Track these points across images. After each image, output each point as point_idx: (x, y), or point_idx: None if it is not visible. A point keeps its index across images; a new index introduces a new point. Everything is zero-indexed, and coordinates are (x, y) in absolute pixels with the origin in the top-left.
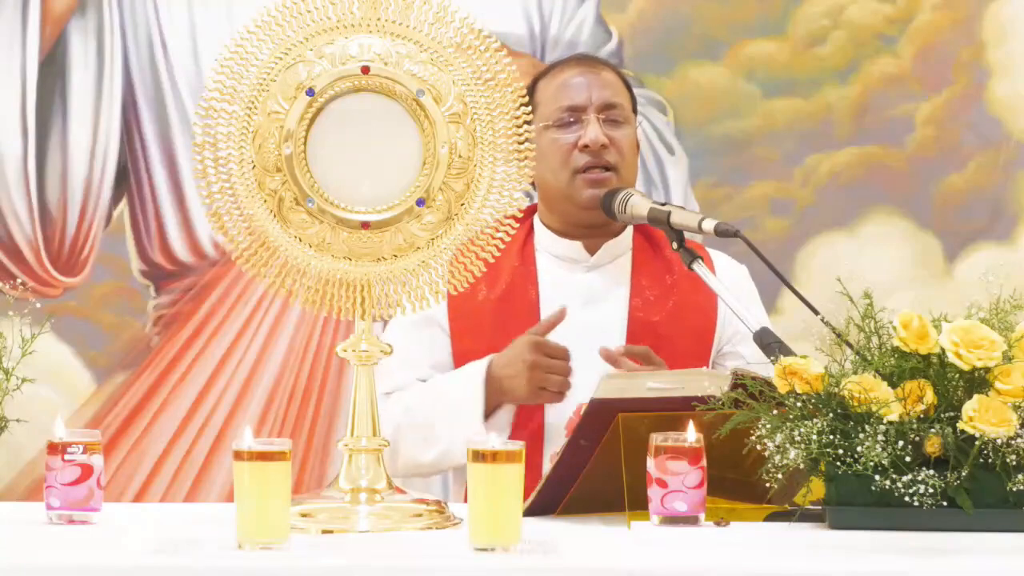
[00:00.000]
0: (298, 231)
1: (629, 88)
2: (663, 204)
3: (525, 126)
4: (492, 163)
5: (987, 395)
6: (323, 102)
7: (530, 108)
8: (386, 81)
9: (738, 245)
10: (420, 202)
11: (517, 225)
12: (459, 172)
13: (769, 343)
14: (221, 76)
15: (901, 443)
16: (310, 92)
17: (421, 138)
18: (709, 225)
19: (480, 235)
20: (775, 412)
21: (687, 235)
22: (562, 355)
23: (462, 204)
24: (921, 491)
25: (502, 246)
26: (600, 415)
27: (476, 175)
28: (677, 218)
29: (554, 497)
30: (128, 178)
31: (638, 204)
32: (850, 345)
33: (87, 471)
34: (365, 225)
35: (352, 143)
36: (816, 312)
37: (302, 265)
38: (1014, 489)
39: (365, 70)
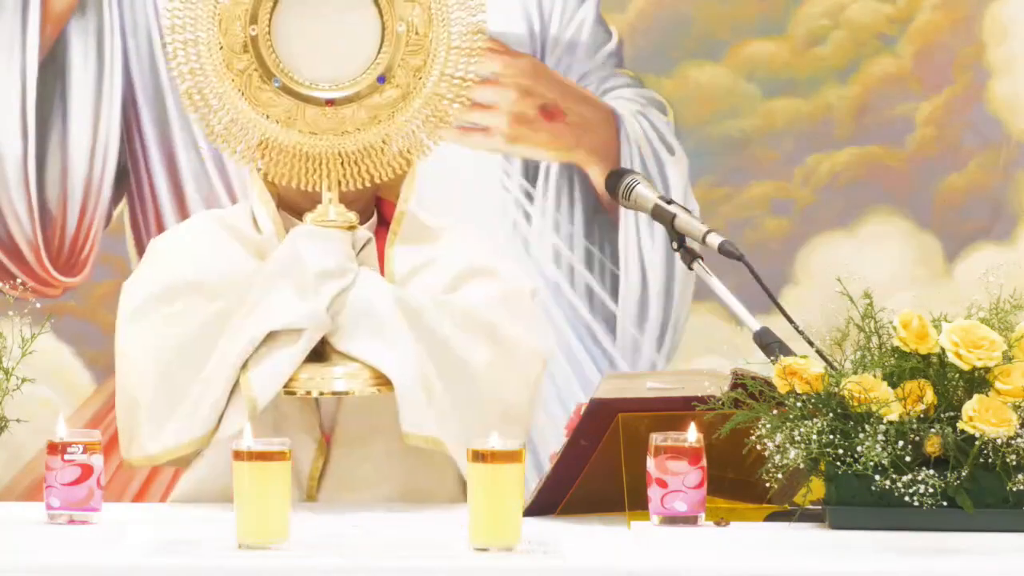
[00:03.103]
0: (266, 109)
1: None
2: (668, 202)
3: (477, 2)
4: (447, 39)
5: (987, 395)
6: None
7: None
8: None
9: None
10: (381, 79)
11: (469, 101)
12: (416, 49)
13: (769, 343)
14: None
15: (901, 443)
16: None
17: (379, 16)
18: (714, 240)
19: (437, 108)
20: (775, 412)
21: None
22: None
23: (419, 79)
24: (921, 491)
25: (456, 116)
26: (600, 415)
27: (432, 51)
28: (681, 223)
29: (554, 497)
30: (128, 178)
31: (643, 195)
32: (832, 366)
33: (87, 471)
34: (330, 102)
35: (314, 24)
36: (808, 340)
37: (271, 140)
38: (1014, 489)
39: None
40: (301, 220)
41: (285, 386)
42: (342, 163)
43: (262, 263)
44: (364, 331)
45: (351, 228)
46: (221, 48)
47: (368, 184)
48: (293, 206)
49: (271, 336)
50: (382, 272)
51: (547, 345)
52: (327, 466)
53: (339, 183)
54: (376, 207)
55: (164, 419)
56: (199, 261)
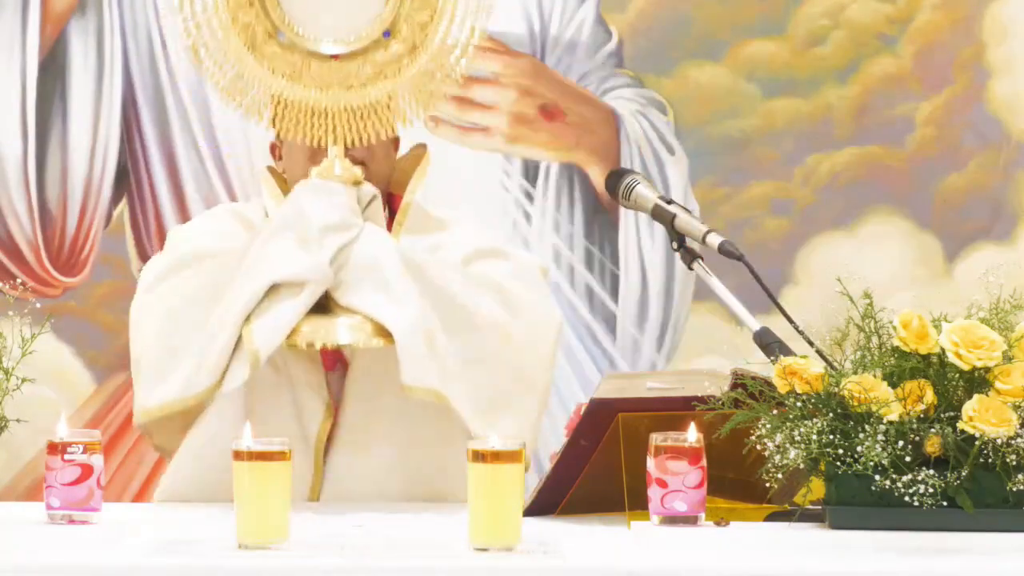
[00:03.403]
0: (271, 63)
1: None
2: (668, 202)
3: None
4: None
5: (987, 395)
6: None
7: None
8: None
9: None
10: (386, 33)
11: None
12: (423, 4)
13: (769, 343)
14: None
15: (901, 443)
16: None
17: None
18: (714, 240)
19: (444, 65)
20: (775, 412)
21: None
22: None
23: (426, 35)
24: (921, 491)
25: (463, 74)
26: (600, 415)
27: (439, 6)
28: (681, 223)
29: (554, 497)
30: (128, 178)
31: (643, 195)
32: (832, 366)
33: (87, 471)
34: (335, 57)
35: None
36: (808, 340)
37: (276, 95)
38: (1014, 489)
39: None
40: None
41: (287, 338)
42: (348, 118)
43: None
44: (367, 285)
45: (356, 183)
46: (227, 2)
47: (374, 140)
48: None
49: (273, 289)
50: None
51: (557, 314)
52: (336, 429)
53: (345, 139)
54: (387, 203)
55: (165, 373)
56: (209, 238)
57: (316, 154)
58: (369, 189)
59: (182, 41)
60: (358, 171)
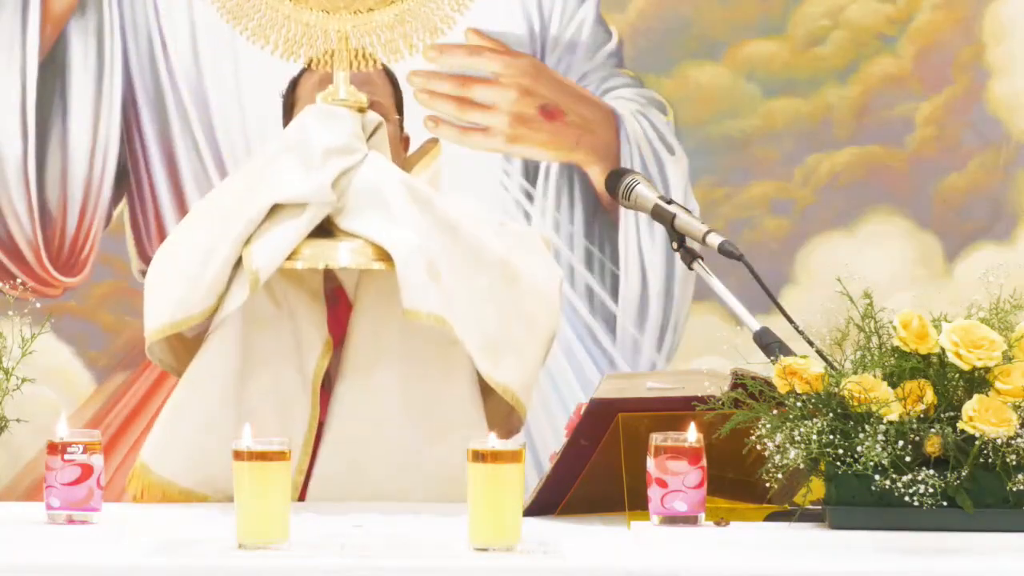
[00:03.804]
0: None
1: (395, 85)
2: (668, 202)
3: None
4: None
5: (987, 395)
6: None
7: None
8: None
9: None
10: None
11: None
12: None
13: (769, 343)
14: None
15: (901, 443)
16: None
17: None
18: (714, 240)
19: None
20: (775, 412)
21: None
22: None
23: None
24: (921, 491)
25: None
26: (600, 415)
27: None
28: (681, 223)
29: (554, 497)
30: (128, 178)
31: (643, 196)
32: (832, 366)
33: (87, 471)
34: None
35: None
36: (808, 340)
37: (281, 17)
38: (1014, 489)
39: None
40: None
41: (288, 260)
42: (355, 42)
43: None
44: (368, 209)
45: (361, 110)
46: None
47: (378, 66)
48: None
49: (275, 210)
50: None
51: (558, 271)
52: (340, 365)
53: (351, 63)
54: None
55: (163, 295)
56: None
57: None
58: (374, 116)
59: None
60: (364, 97)
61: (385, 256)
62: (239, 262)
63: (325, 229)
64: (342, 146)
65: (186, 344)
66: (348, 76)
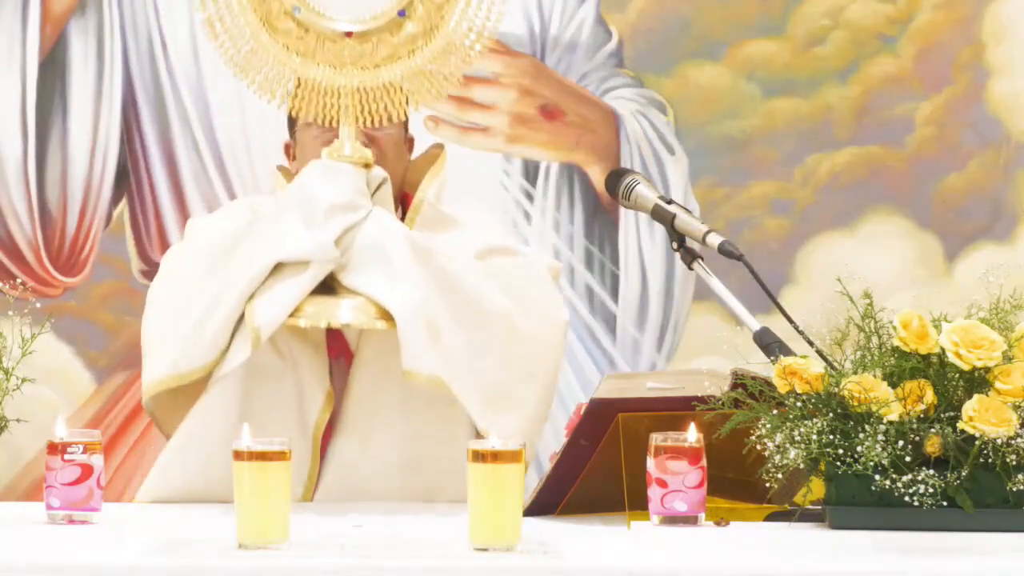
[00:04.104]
0: (285, 39)
1: None
2: (668, 202)
3: None
4: None
5: (987, 395)
6: None
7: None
8: None
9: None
10: (401, 13)
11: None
12: None
13: (769, 343)
14: None
15: (901, 443)
16: None
17: None
18: (714, 240)
19: (458, 49)
20: (775, 412)
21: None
22: None
23: (442, 16)
24: (921, 491)
25: (477, 58)
26: (600, 415)
27: None
28: (681, 223)
29: (554, 497)
30: (128, 178)
31: (643, 196)
32: (832, 366)
33: (87, 471)
34: (349, 35)
35: None
36: (808, 340)
37: (288, 72)
38: (1014, 489)
39: None
40: None
41: (290, 317)
42: (361, 99)
43: None
44: (371, 266)
45: (367, 166)
46: None
47: (385, 123)
48: None
49: (278, 267)
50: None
51: (564, 314)
52: (338, 418)
53: (356, 119)
54: (401, 202)
55: (162, 348)
56: (223, 229)
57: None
58: (379, 172)
59: (198, 15)
60: (368, 153)
61: (387, 315)
62: (241, 316)
63: (327, 284)
64: (346, 203)
65: (178, 401)
66: (354, 132)
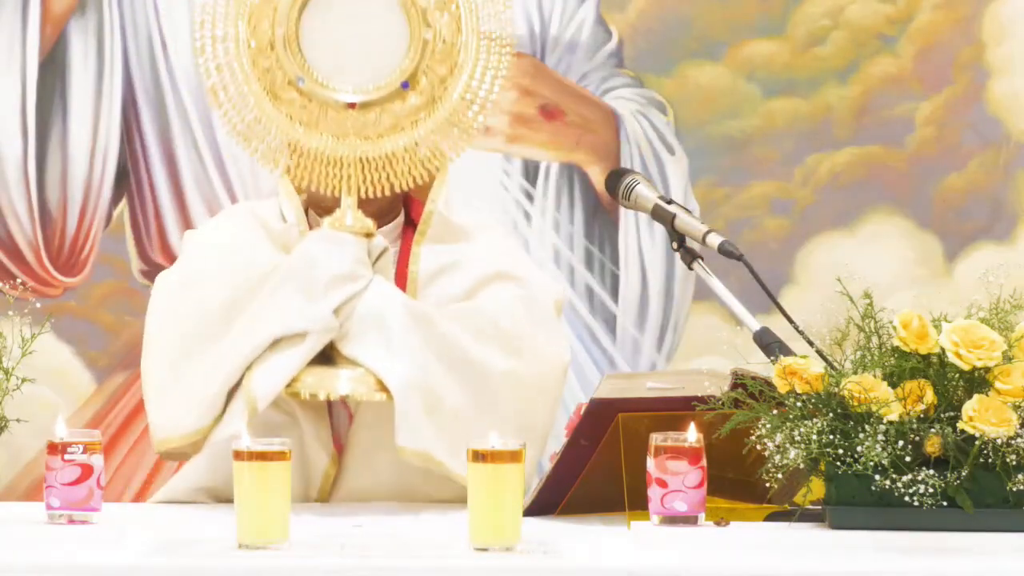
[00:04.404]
0: (288, 109)
1: None
2: (668, 202)
3: (507, 14)
4: (475, 49)
5: (987, 395)
6: None
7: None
8: None
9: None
10: (405, 84)
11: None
12: (443, 57)
13: (769, 343)
14: None
15: (901, 443)
16: None
17: (407, 23)
18: (714, 240)
19: (461, 120)
20: (775, 412)
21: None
22: None
23: (445, 88)
24: (921, 491)
25: (481, 127)
26: (600, 415)
27: (459, 60)
28: (681, 223)
29: (554, 497)
30: (128, 178)
31: (643, 196)
32: (832, 366)
33: (87, 471)
34: (352, 105)
35: (342, 26)
36: (808, 340)
37: (292, 141)
38: (1014, 489)
39: None
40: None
41: (289, 387)
42: (363, 169)
43: (282, 255)
44: (371, 337)
45: (368, 235)
46: (249, 46)
47: (387, 193)
48: (319, 201)
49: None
50: (401, 280)
51: (565, 355)
52: (337, 479)
53: (359, 189)
54: (404, 205)
55: (163, 401)
56: (221, 253)
57: None
58: (380, 242)
59: (202, 83)
60: (370, 223)
61: (386, 386)
62: (238, 382)
63: (326, 353)
64: (346, 274)
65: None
66: (355, 202)
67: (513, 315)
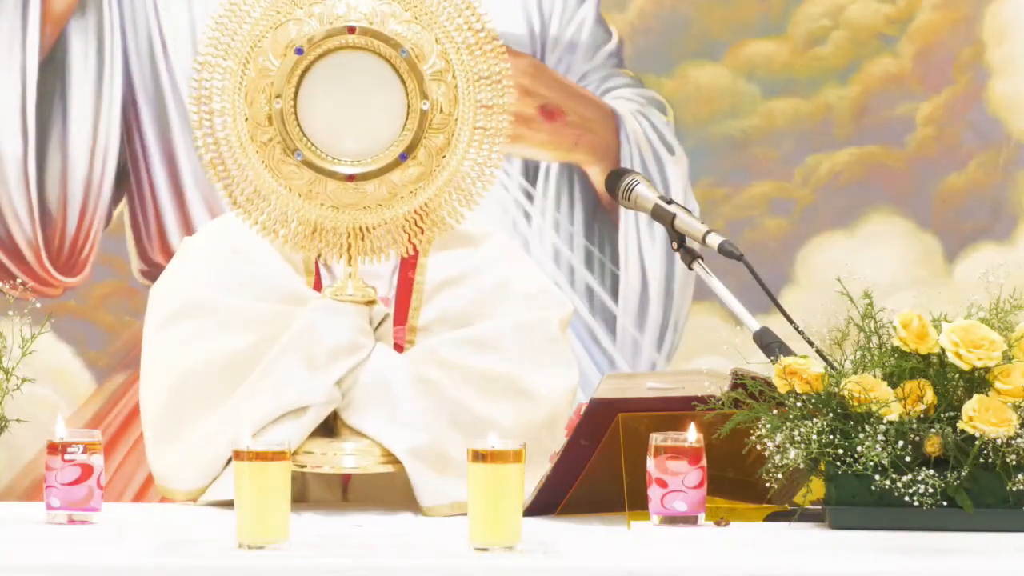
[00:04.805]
0: (287, 181)
1: None
2: (668, 202)
3: (504, 83)
4: (472, 118)
5: (987, 395)
6: (311, 60)
7: (509, 66)
8: (371, 40)
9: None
10: (403, 156)
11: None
12: (440, 127)
13: (769, 343)
14: (216, 32)
15: (901, 443)
16: (299, 51)
17: (404, 94)
18: (714, 240)
19: (460, 188)
20: (775, 412)
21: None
22: None
23: (443, 157)
24: (921, 491)
25: (482, 197)
26: (600, 415)
27: (457, 129)
28: (681, 223)
29: (554, 497)
30: (128, 178)
31: (643, 196)
32: (832, 366)
33: (87, 471)
34: (350, 177)
35: (339, 98)
36: (808, 340)
37: (291, 212)
38: (1014, 489)
39: (351, 30)
40: None
41: (293, 459)
42: (362, 238)
43: (285, 271)
44: (375, 406)
45: (369, 303)
46: (246, 119)
47: (387, 260)
48: None
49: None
50: (406, 289)
51: (572, 380)
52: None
53: (359, 258)
54: None
55: (162, 448)
56: (223, 274)
57: None
58: (381, 309)
59: (200, 157)
60: (371, 291)
61: (391, 456)
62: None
63: (328, 424)
64: (348, 345)
65: None
66: (356, 271)
67: (518, 350)
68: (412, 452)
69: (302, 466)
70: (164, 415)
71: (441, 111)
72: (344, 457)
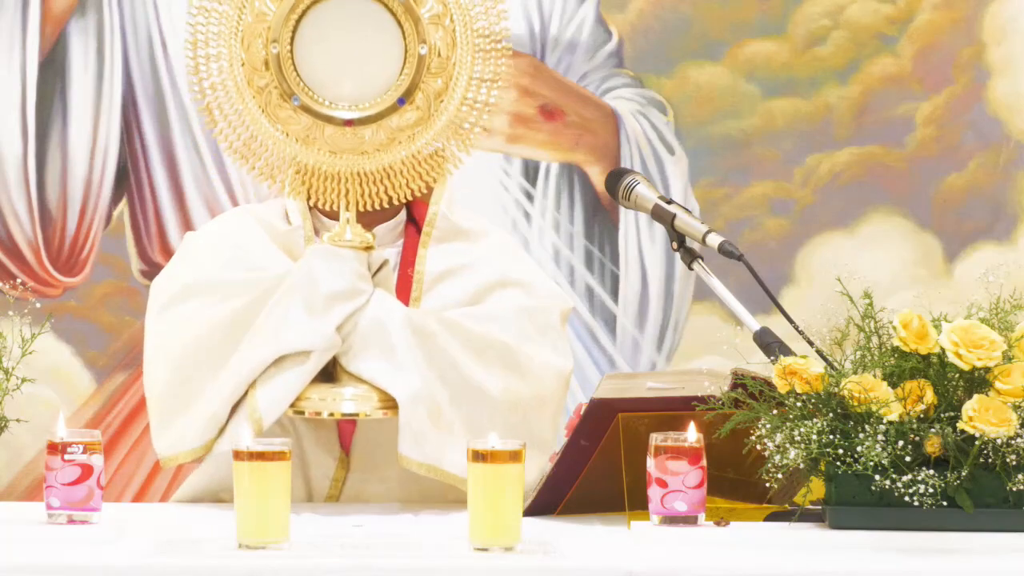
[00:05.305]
0: (285, 126)
1: None
2: (668, 202)
3: (503, 24)
4: (470, 62)
5: (987, 395)
6: (308, 4)
7: (507, 7)
8: None
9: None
10: (401, 100)
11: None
12: (438, 71)
13: (769, 343)
14: None
15: (901, 443)
16: None
17: (402, 38)
18: (714, 240)
19: (458, 132)
20: (775, 412)
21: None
22: None
23: (441, 102)
24: (921, 491)
25: (478, 140)
26: (600, 415)
27: (455, 74)
28: (681, 223)
29: (554, 497)
30: (128, 178)
31: (643, 196)
32: (832, 366)
33: (87, 471)
34: (348, 122)
35: (336, 43)
36: (808, 340)
37: (288, 158)
38: (1014, 489)
39: None
40: (334, 219)
41: (293, 406)
42: (360, 183)
43: (286, 258)
44: (374, 352)
45: (367, 249)
46: (243, 64)
47: (386, 206)
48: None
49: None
50: (405, 281)
51: (566, 366)
52: (346, 480)
53: (357, 203)
54: (412, 213)
55: (169, 420)
56: (222, 260)
57: None
58: (379, 255)
59: (196, 103)
60: (370, 237)
61: (389, 401)
62: (241, 398)
63: (328, 369)
64: (347, 290)
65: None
66: (354, 216)
67: (517, 327)
68: (409, 396)
69: (300, 412)
70: (169, 389)
71: (439, 55)
72: (343, 402)
